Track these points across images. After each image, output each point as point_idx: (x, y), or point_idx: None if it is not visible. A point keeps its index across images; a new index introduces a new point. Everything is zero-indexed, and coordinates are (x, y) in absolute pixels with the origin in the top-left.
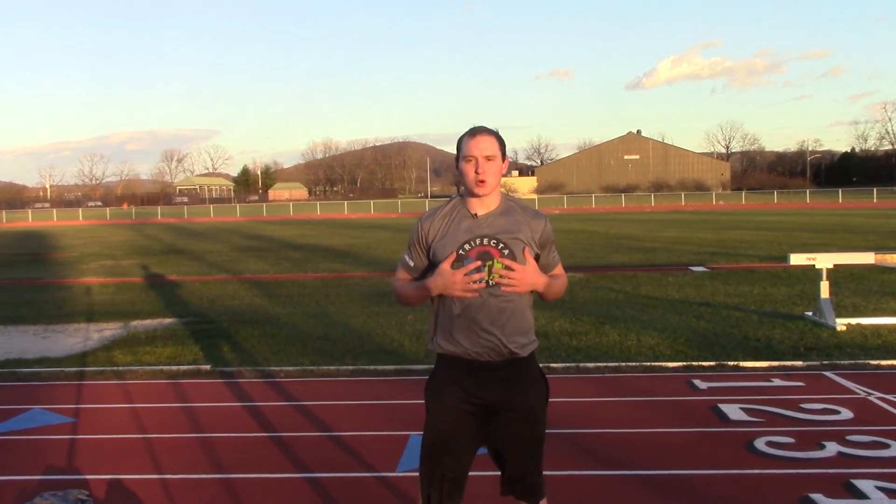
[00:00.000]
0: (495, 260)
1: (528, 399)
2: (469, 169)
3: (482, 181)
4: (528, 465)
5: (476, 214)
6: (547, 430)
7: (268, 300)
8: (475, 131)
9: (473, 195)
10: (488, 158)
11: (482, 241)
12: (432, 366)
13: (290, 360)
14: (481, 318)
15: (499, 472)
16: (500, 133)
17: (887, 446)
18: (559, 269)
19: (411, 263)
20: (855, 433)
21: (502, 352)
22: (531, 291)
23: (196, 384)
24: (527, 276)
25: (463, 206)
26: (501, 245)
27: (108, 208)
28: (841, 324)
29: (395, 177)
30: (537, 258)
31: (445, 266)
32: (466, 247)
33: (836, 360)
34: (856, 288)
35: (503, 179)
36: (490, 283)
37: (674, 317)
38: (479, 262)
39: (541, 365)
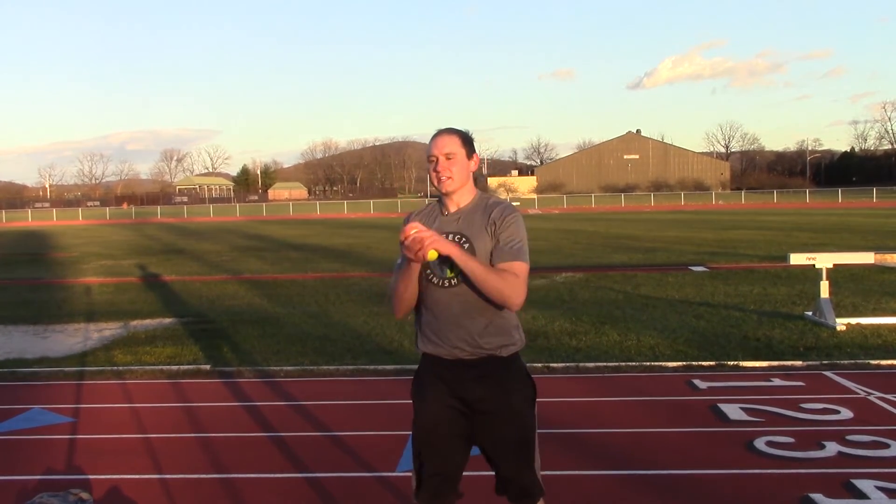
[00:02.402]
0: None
1: (511, 400)
2: (431, 169)
3: (444, 178)
4: (518, 467)
5: (448, 212)
6: (547, 430)
7: (268, 300)
8: (437, 133)
9: (444, 194)
10: (448, 157)
11: (447, 237)
12: None
13: (289, 359)
14: (450, 317)
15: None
16: (467, 131)
17: (887, 446)
18: (515, 266)
19: (401, 261)
20: (855, 433)
21: (475, 350)
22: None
23: (196, 384)
24: (433, 235)
25: (439, 205)
26: (464, 240)
27: (107, 208)
28: (841, 323)
29: (394, 176)
30: (496, 244)
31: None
32: None
33: (836, 360)
34: (855, 288)
35: (504, 178)
36: (451, 281)
37: (673, 317)
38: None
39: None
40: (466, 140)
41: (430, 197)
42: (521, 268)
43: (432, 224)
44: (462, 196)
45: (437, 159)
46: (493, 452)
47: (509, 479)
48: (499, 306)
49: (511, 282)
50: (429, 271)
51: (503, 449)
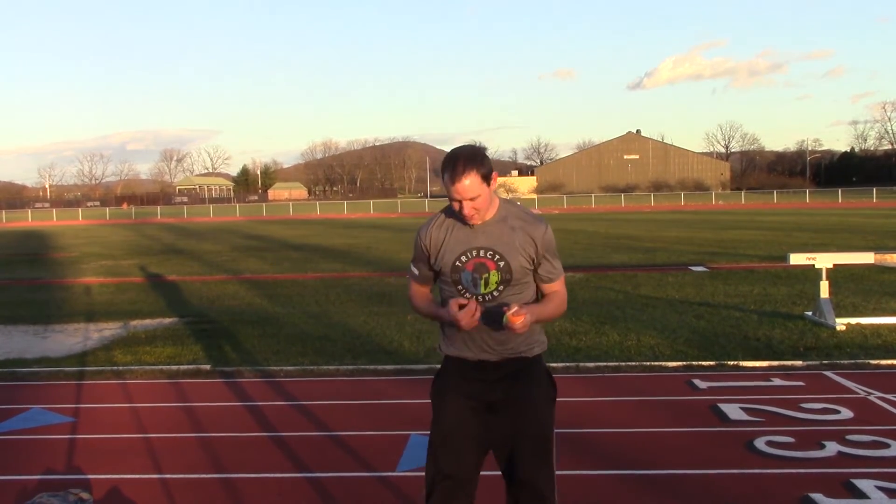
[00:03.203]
0: (491, 272)
1: (532, 396)
2: (456, 206)
3: (471, 216)
4: (536, 466)
5: (473, 224)
6: None
7: (268, 300)
8: (455, 172)
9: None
10: (473, 199)
11: (478, 253)
12: (432, 365)
13: (290, 359)
14: (482, 327)
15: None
16: (482, 148)
17: (887, 446)
18: (558, 284)
19: (416, 272)
20: (855, 433)
21: (502, 355)
22: (533, 299)
23: (196, 384)
24: (526, 322)
25: (460, 215)
26: (497, 257)
27: (107, 208)
28: (841, 323)
29: (394, 177)
30: (536, 267)
31: (454, 308)
32: (463, 258)
33: (836, 360)
34: (855, 288)
35: (502, 179)
36: (487, 297)
37: (673, 317)
38: (473, 303)
39: (547, 367)
40: (485, 170)
41: (430, 197)
42: (563, 282)
43: (457, 237)
44: (488, 207)
45: (462, 203)
46: (511, 450)
47: (526, 480)
48: None
49: (562, 301)
50: (460, 287)
51: (522, 446)
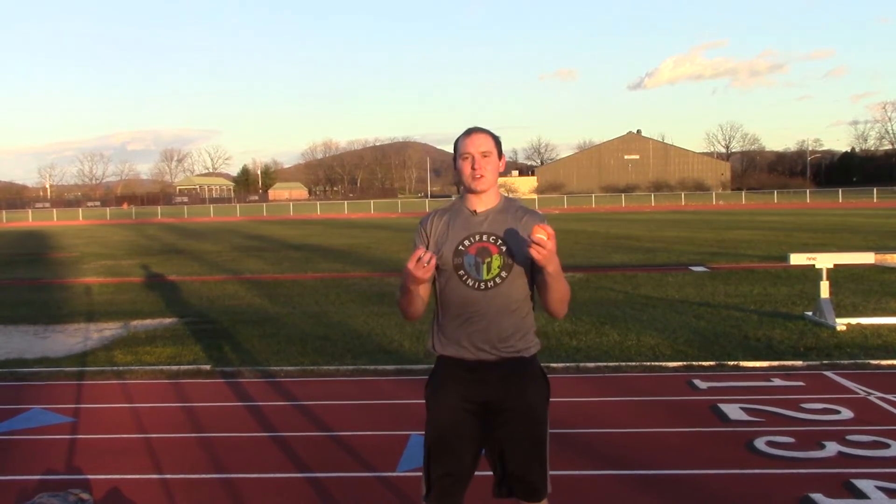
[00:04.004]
0: (494, 256)
1: (527, 397)
2: (466, 166)
3: (479, 176)
4: (529, 465)
5: (475, 211)
6: (548, 430)
7: (268, 300)
8: (470, 130)
9: (472, 191)
10: (484, 155)
11: (481, 238)
12: (432, 365)
13: (290, 360)
14: (481, 319)
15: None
16: (497, 134)
17: (887, 446)
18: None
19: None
20: (855, 433)
21: (500, 353)
22: (530, 294)
23: (196, 384)
24: (554, 249)
25: (463, 204)
26: (500, 241)
27: (108, 208)
28: (841, 324)
29: (395, 177)
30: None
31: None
32: (466, 242)
33: (836, 360)
34: (856, 288)
35: (503, 179)
36: (490, 283)
37: (674, 317)
38: (422, 249)
39: (541, 365)
40: (497, 141)
41: (430, 197)
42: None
43: (459, 223)
44: (490, 197)
45: (474, 157)
46: (504, 449)
47: (518, 476)
48: (526, 307)
49: (568, 289)
50: (462, 272)
51: (516, 445)
